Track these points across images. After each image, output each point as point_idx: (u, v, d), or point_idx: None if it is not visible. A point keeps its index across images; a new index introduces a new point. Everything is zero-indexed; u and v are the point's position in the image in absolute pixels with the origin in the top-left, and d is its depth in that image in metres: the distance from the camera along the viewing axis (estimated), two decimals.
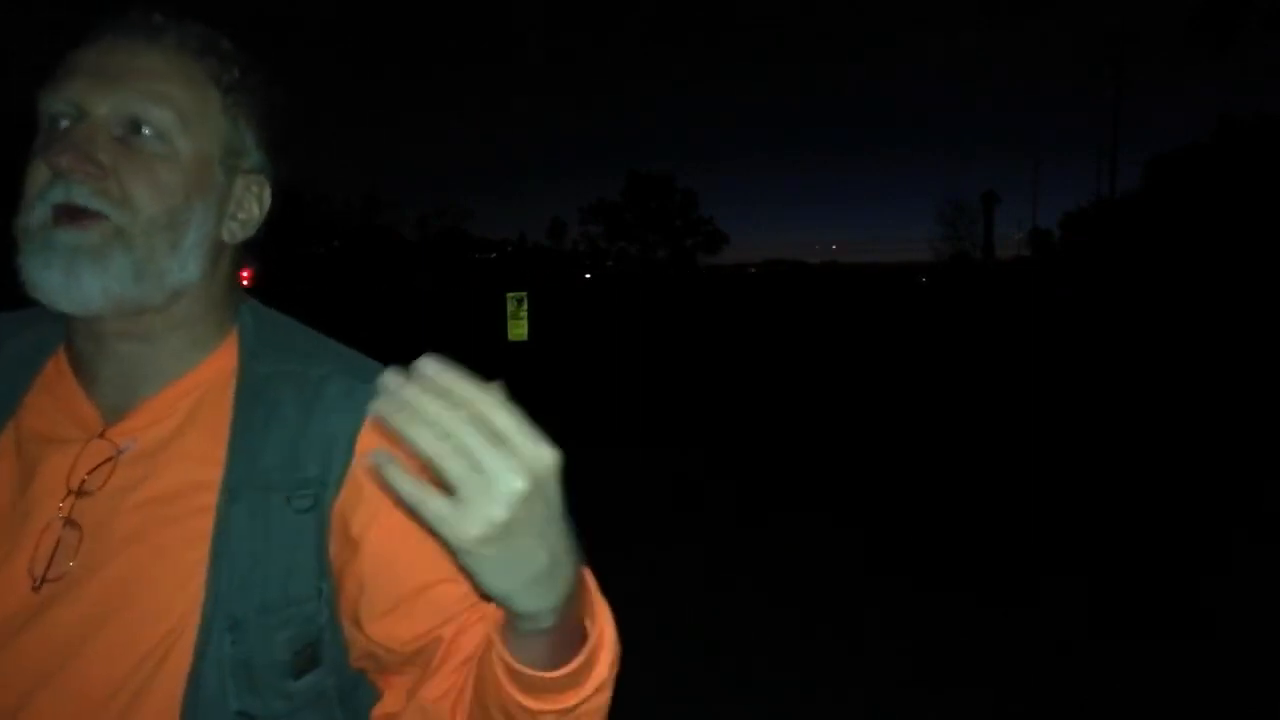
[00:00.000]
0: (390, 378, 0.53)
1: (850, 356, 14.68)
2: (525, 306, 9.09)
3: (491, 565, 0.56)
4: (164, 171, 0.76)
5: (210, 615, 0.73)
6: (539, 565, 0.57)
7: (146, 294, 0.76)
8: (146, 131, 0.76)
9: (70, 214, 0.73)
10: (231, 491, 0.75)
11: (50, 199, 0.72)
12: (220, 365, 0.83)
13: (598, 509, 5.77)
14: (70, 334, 0.81)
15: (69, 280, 0.72)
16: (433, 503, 0.53)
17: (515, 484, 0.53)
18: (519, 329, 9.05)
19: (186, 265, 0.79)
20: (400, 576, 0.77)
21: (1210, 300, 23.46)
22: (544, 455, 0.54)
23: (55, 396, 0.81)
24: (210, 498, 0.75)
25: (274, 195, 0.87)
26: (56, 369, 0.83)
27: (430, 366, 0.54)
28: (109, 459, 0.77)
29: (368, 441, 0.78)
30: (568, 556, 0.59)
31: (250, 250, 0.88)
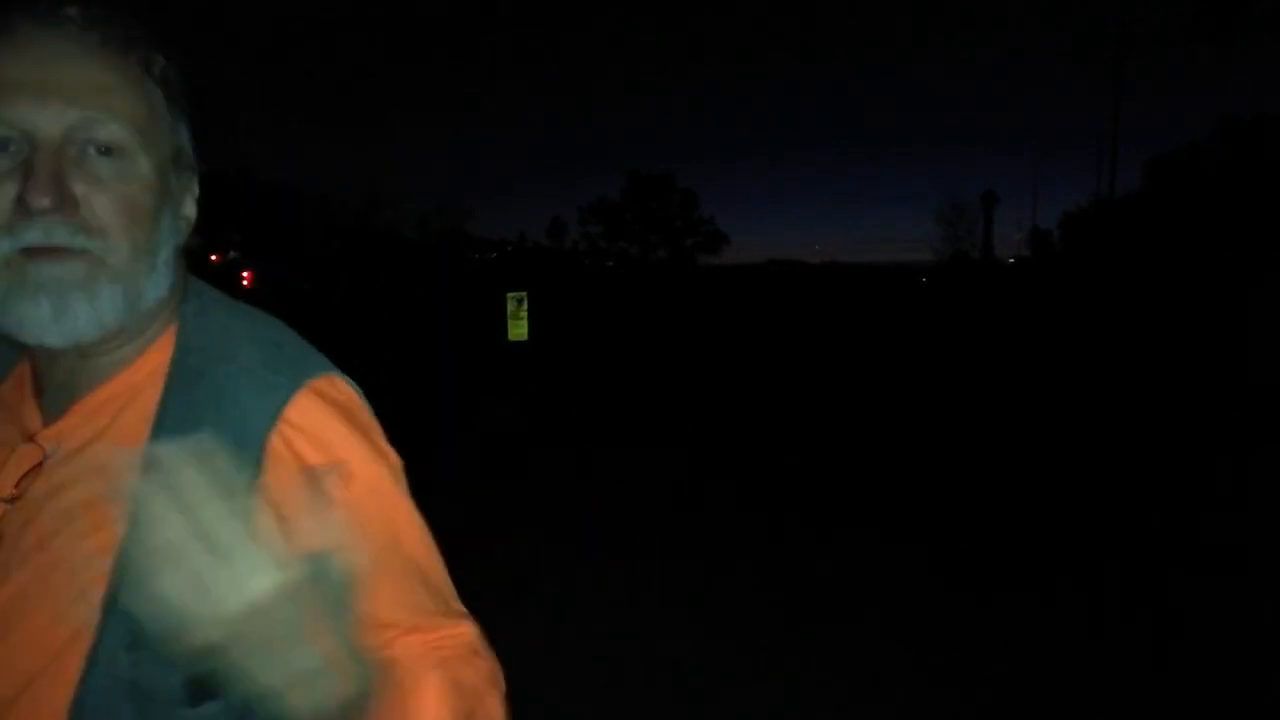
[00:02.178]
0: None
1: (850, 356, 14.66)
2: (525, 306, 9.09)
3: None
4: (134, 194, 0.73)
5: (103, 633, 0.67)
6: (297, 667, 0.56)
7: (131, 317, 0.75)
8: (107, 153, 0.72)
9: (49, 252, 0.69)
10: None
11: (24, 240, 0.68)
12: (155, 361, 0.79)
13: (598, 509, 5.81)
14: (25, 348, 0.78)
15: (60, 315, 0.70)
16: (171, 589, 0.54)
17: (229, 604, 0.54)
18: (519, 329, 9.06)
19: (161, 282, 0.77)
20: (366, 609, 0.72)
21: (1210, 300, 23.44)
22: (259, 583, 0.55)
23: (6, 406, 0.80)
24: (118, 509, 0.70)
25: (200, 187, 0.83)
26: (19, 378, 0.82)
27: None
28: (36, 465, 0.74)
29: (280, 445, 0.74)
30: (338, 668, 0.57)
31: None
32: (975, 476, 6.35)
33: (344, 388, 0.81)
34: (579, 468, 6.68)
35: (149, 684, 0.67)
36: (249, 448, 0.72)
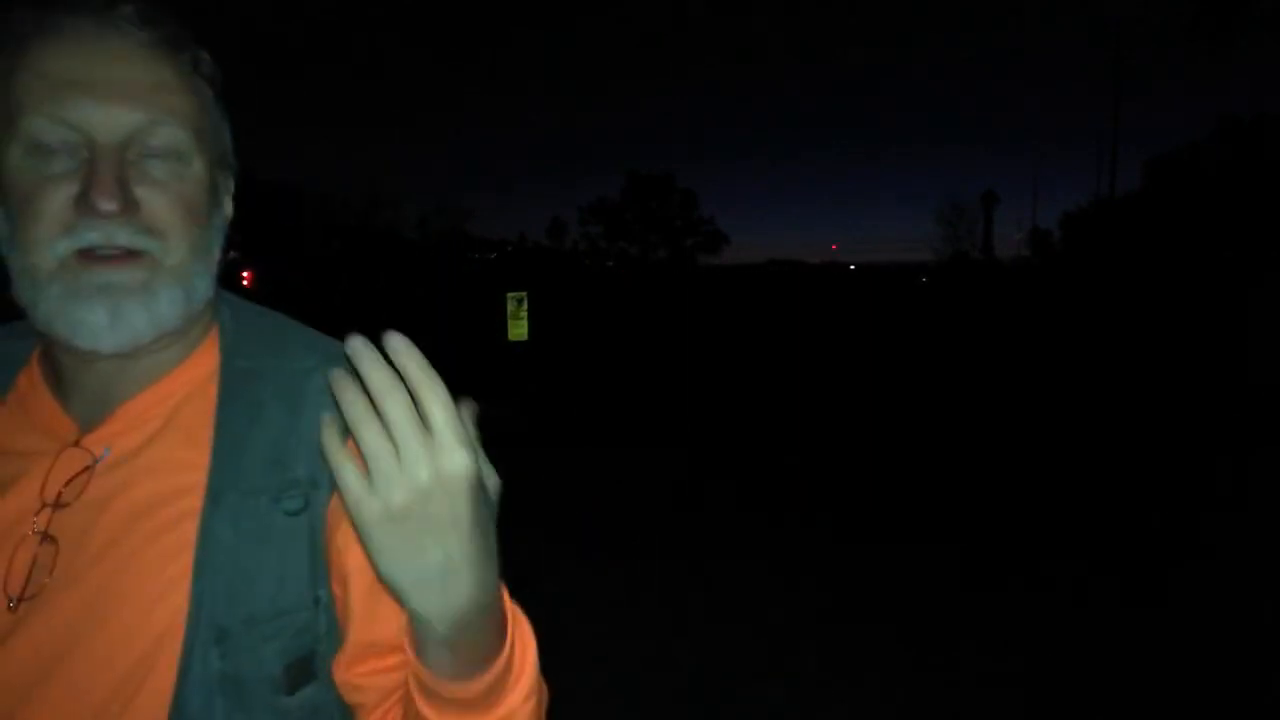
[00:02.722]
0: (358, 341, 0.53)
1: (850, 356, 14.66)
2: (525, 306, 9.09)
3: (386, 551, 0.54)
4: (191, 194, 0.73)
5: (194, 628, 0.68)
6: (431, 566, 0.55)
7: (186, 319, 0.75)
8: (166, 155, 0.72)
9: (106, 255, 0.69)
10: (214, 496, 0.71)
11: (83, 240, 0.68)
12: (201, 365, 0.79)
13: (598, 509, 5.82)
14: (46, 348, 0.78)
15: (116, 321, 0.70)
16: (345, 471, 0.53)
17: (420, 474, 0.52)
18: (519, 329, 9.05)
19: (211, 283, 0.77)
20: (386, 616, 0.72)
21: (1210, 300, 23.43)
22: (459, 460, 0.53)
23: (27, 411, 0.78)
24: (192, 504, 0.71)
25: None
26: (29, 382, 0.79)
27: (398, 340, 0.53)
28: (85, 469, 0.73)
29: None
30: (470, 570, 0.57)
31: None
32: (976, 476, 6.35)
33: None
34: (579, 468, 6.68)
35: (244, 675, 0.68)
36: (321, 469, 0.73)
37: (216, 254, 0.78)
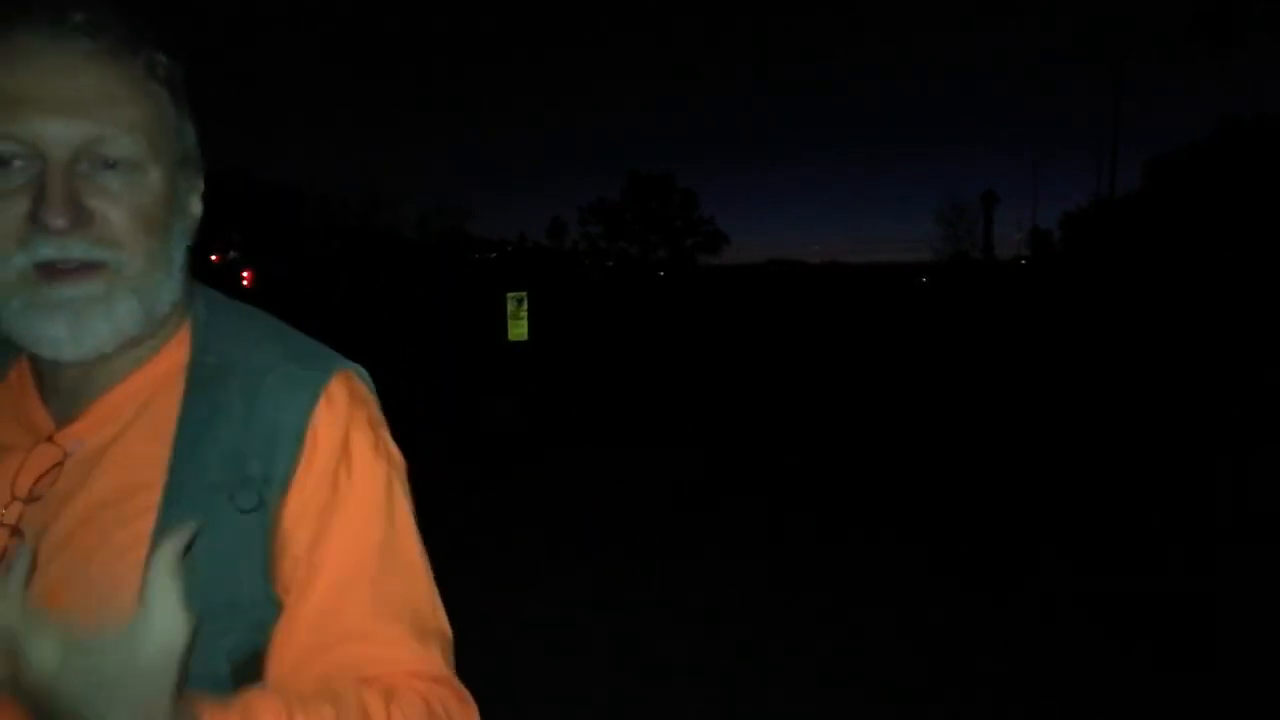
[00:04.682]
0: None
1: (850, 356, 14.66)
2: (525, 306, 9.09)
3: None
4: (147, 204, 0.73)
5: None
6: None
7: (149, 324, 0.76)
8: (119, 166, 0.71)
9: (63, 270, 0.69)
10: (172, 492, 0.71)
11: (38, 255, 0.68)
12: (172, 360, 0.79)
13: (598, 509, 5.81)
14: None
15: (77, 333, 0.70)
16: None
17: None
18: (519, 329, 9.06)
19: (175, 287, 0.77)
20: (337, 610, 0.72)
21: (1210, 300, 23.44)
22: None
23: (12, 404, 0.79)
24: (152, 499, 0.71)
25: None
26: (19, 379, 0.81)
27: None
28: (57, 463, 0.74)
29: (316, 435, 0.75)
30: None
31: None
32: (976, 476, 6.35)
33: (360, 383, 0.83)
34: (579, 468, 6.68)
35: (194, 671, 0.67)
36: (284, 442, 0.74)
37: (180, 258, 0.78)
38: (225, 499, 0.72)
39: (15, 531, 0.72)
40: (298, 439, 0.75)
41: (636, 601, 4.06)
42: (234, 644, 0.71)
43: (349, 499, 0.76)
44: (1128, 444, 7.39)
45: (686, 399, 10.17)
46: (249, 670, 0.72)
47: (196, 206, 0.82)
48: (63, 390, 0.78)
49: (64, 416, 0.77)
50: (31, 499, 0.73)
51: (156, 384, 0.78)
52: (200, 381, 0.77)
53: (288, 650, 0.73)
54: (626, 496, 5.84)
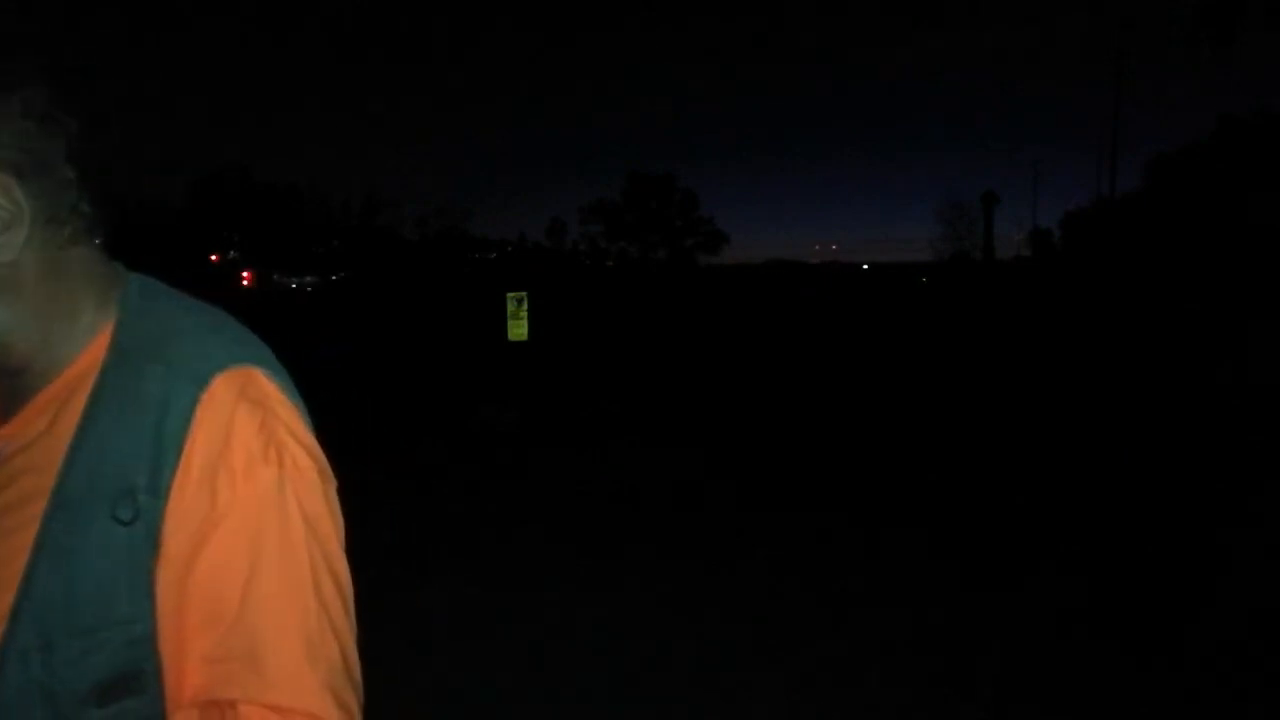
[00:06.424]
0: None
1: (849, 356, 14.66)
2: (525, 306, 9.09)
3: None
4: (18, 280, 0.71)
5: (12, 635, 0.65)
6: None
7: (30, 362, 0.75)
8: None
9: None
10: (59, 499, 0.68)
11: None
12: (91, 358, 0.75)
13: (598, 509, 5.81)
14: None
15: None
16: None
17: None
18: (519, 329, 9.05)
19: (71, 326, 0.75)
20: (207, 628, 0.69)
21: (1211, 300, 23.42)
22: None
23: None
24: (40, 507, 0.68)
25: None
26: None
27: None
28: None
29: (195, 445, 0.70)
30: None
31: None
32: (977, 476, 6.35)
33: (262, 381, 0.75)
34: (579, 468, 6.68)
35: (59, 685, 0.66)
36: (167, 448, 0.70)
37: (69, 298, 0.75)
38: (107, 510, 0.68)
39: None
40: (178, 443, 0.70)
41: (637, 601, 4.05)
42: (102, 663, 0.67)
43: (231, 509, 0.70)
44: (1127, 444, 7.39)
45: (687, 399, 10.17)
46: (117, 690, 0.68)
47: (69, 217, 0.75)
48: (9, 388, 0.77)
49: (7, 415, 0.76)
50: None
51: (77, 381, 0.74)
52: (105, 382, 0.73)
53: (170, 672, 0.70)
54: (626, 496, 5.84)
